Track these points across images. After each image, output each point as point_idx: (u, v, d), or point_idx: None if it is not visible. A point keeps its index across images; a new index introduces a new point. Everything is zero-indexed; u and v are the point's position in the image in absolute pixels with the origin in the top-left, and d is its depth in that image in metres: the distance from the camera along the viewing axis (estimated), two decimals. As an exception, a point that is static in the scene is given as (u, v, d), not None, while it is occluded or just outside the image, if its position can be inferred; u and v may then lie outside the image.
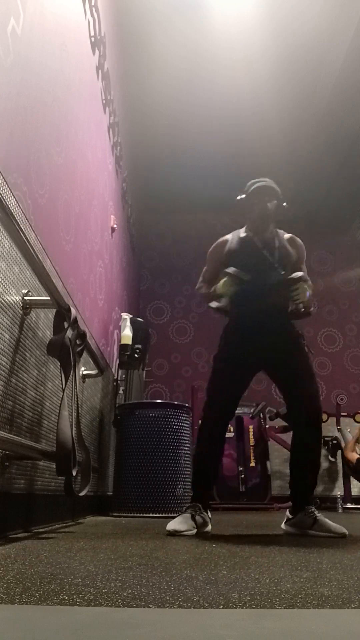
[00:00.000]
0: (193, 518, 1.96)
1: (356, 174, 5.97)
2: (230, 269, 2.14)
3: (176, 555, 1.23)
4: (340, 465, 5.70)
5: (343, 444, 5.48)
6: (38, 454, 1.71)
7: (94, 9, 2.97)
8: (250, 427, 5.30)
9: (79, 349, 2.08)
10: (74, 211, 2.66)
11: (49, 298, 1.90)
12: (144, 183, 6.05)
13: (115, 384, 4.00)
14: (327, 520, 1.94)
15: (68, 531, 1.93)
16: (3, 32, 1.60)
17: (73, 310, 1.94)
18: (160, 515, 3.00)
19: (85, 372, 2.72)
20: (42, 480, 2.00)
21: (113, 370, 4.01)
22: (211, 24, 4.20)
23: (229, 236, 2.36)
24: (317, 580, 0.90)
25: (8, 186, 1.56)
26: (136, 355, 3.91)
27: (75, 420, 2.09)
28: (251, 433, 5.27)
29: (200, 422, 2.21)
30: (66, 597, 0.72)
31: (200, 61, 4.58)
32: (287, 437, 5.46)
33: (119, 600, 0.70)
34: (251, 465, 5.14)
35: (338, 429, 5.71)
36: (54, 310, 1.94)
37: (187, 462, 3.30)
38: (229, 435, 5.28)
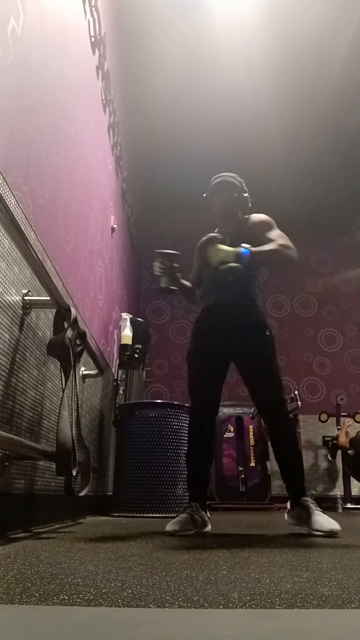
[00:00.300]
0: (192, 518, 1.96)
1: (356, 174, 5.97)
2: (157, 250, 2.22)
3: (176, 555, 1.23)
4: (340, 465, 5.71)
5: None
6: (38, 454, 1.71)
7: (94, 9, 2.97)
8: (250, 427, 5.30)
9: (79, 349, 2.08)
10: (74, 211, 2.66)
11: (49, 298, 1.90)
12: (144, 183, 6.05)
13: (115, 384, 4.00)
14: (320, 517, 1.90)
15: (68, 531, 1.93)
16: (3, 32, 1.60)
17: (73, 310, 1.94)
18: (160, 515, 3.00)
19: (85, 372, 2.72)
20: (42, 480, 2.00)
21: (113, 370, 4.01)
22: (211, 24, 4.20)
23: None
24: (317, 580, 0.90)
25: (8, 186, 1.56)
26: (136, 355, 3.91)
27: (75, 420, 2.09)
28: (251, 433, 5.28)
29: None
30: (66, 597, 0.72)
31: (200, 61, 4.58)
32: (287, 437, 5.47)
33: (119, 600, 0.70)
34: (251, 465, 5.14)
35: (338, 428, 5.72)
36: (54, 310, 1.94)
37: (187, 462, 3.30)
38: (229, 435, 5.30)
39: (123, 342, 3.90)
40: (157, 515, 3.03)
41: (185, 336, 6.63)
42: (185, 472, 2.20)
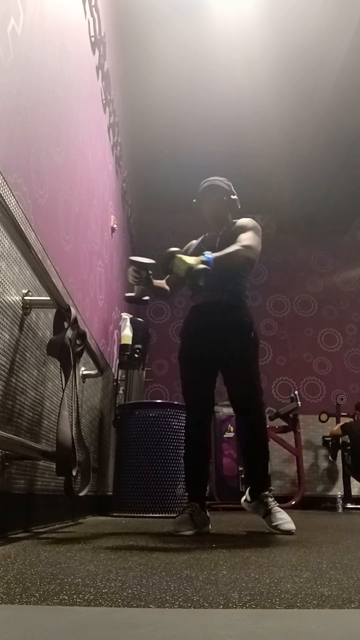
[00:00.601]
0: (192, 518, 1.96)
1: (356, 174, 5.97)
2: (132, 257, 2.19)
3: (176, 555, 1.23)
4: (340, 465, 5.71)
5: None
6: (38, 454, 1.71)
7: (94, 9, 2.97)
8: (250, 427, 5.29)
9: (79, 349, 2.08)
10: (74, 211, 2.66)
11: (49, 298, 1.90)
12: (144, 183, 6.05)
13: (115, 384, 4.00)
14: (278, 514, 1.98)
15: (68, 531, 1.93)
16: (3, 32, 1.60)
17: (73, 310, 1.94)
18: (160, 515, 3.00)
19: (85, 372, 2.72)
20: (42, 480, 2.00)
21: (113, 370, 4.01)
22: (211, 24, 4.19)
23: (194, 241, 2.42)
24: (317, 580, 0.90)
25: (8, 186, 1.56)
26: (136, 355, 3.91)
27: (75, 420, 2.09)
28: (251, 433, 5.27)
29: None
30: (66, 597, 0.72)
31: (200, 61, 4.58)
32: (287, 437, 5.47)
33: (119, 600, 0.70)
34: (251, 465, 5.14)
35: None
36: (54, 310, 1.94)
37: (187, 462, 3.30)
38: (229, 435, 5.29)
39: (123, 342, 3.90)
40: (157, 515, 3.03)
41: (185, 336, 6.62)
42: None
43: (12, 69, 1.68)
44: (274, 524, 1.96)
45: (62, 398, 1.81)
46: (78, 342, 2.05)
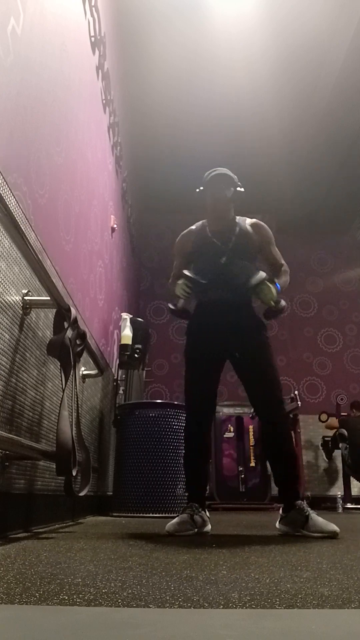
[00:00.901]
0: (192, 518, 1.96)
1: (356, 174, 5.97)
2: (186, 271, 2.15)
3: (176, 555, 1.23)
4: (340, 465, 5.72)
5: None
6: (38, 454, 1.71)
7: (94, 9, 2.97)
8: (250, 427, 5.30)
9: (79, 349, 2.08)
10: (74, 211, 2.66)
11: (49, 298, 1.90)
12: (144, 183, 6.05)
13: (115, 384, 4.00)
14: (319, 518, 1.87)
15: (68, 531, 1.93)
16: (3, 32, 1.60)
17: (73, 310, 1.94)
18: (160, 515, 3.00)
19: (85, 372, 2.72)
20: (42, 480, 2.00)
21: (113, 370, 4.01)
22: (211, 24, 4.20)
23: (193, 227, 2.36)
24: (317, 580, 0.90)
25: (8, 186, 1.56)
26: (136, 355, 3.91)
27: (75, 420, 2.09)
28: (251, 433, 5.28)
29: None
30: (66, 597, 0.72)
31: (200, 61, 4.58)
32: (287, 437, 5.47)
33: (119, 600, 0.70)
34: (251, 465, 5.14)
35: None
36: (54, 310, 1.94)
37: (187, 462, 3.30)
38: (229, 435, 5.30)
39: (123, 342, 3.90)
40: (157, 515, 3.03)
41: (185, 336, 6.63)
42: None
43: (12, 69, 1.68)
44: (317, 527, 1.83)
45: (62, 398, 1.81)
46: (78, 342, 2.05)
